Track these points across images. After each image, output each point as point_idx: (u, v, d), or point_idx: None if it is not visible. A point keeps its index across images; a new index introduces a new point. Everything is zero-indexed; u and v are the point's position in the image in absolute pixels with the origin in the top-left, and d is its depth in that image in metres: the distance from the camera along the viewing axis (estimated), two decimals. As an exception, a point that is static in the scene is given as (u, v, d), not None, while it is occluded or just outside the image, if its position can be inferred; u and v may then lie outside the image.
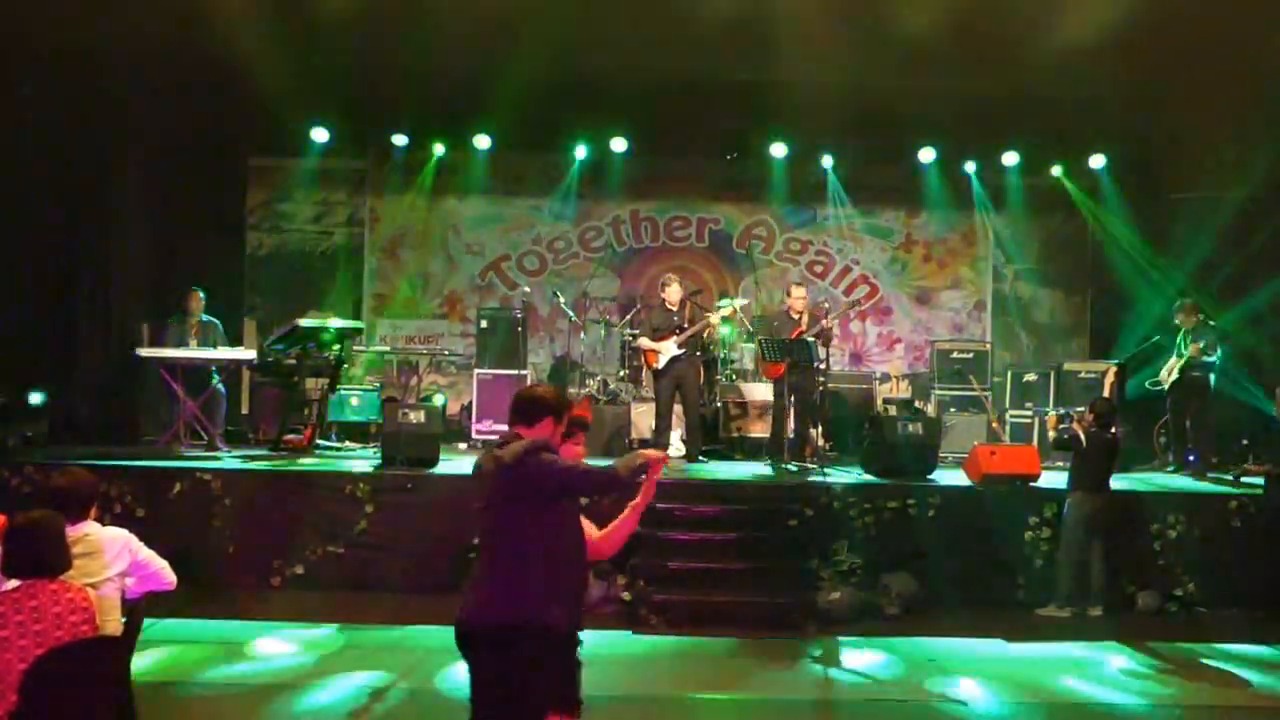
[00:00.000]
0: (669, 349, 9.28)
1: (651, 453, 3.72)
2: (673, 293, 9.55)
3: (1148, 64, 9.29)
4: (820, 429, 9.43)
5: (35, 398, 9.50)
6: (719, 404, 10.41)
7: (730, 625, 7.01)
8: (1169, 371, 9.56)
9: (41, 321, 10.05)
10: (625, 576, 7.38)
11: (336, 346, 9.57)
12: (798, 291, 9.63)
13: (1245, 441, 8.57)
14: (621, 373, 10.74)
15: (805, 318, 9.43)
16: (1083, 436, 7.68)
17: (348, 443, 10.19)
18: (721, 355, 10.68)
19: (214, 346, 9.66)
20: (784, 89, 10.03)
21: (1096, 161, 11.70)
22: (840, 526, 7.87)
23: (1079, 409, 8.62)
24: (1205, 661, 6.85)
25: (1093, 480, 7.63)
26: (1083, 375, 10.50)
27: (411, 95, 10.62)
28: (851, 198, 12.30)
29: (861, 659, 6.65)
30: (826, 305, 9.96)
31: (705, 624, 7.01)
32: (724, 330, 10.57)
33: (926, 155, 11.77)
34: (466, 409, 10.93)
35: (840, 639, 6.98)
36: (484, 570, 3.64)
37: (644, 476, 3.71)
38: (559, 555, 3.58)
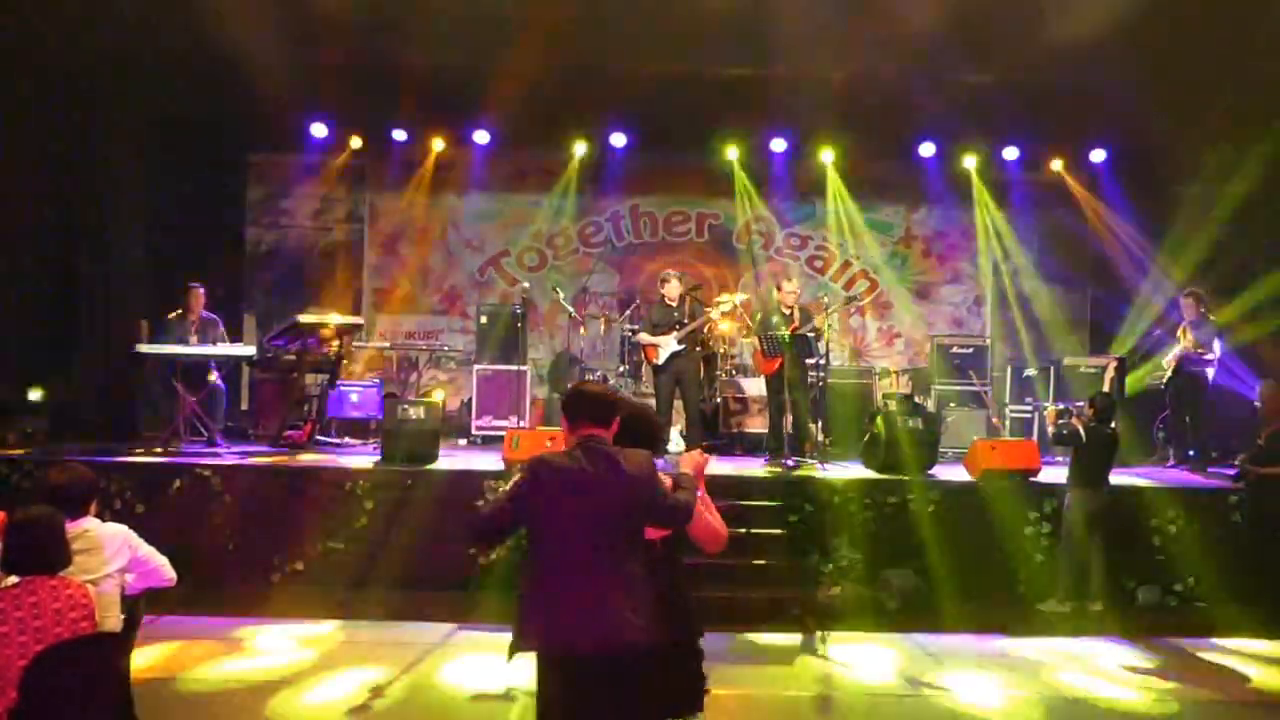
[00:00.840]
0: (669, 344, 9.27)
1: (693, 463, 3.72)
2: (672, 288, 9.54)
3: (1149, 57, 9.26)
4: (820, 424, 9.42)
5: (35, 394, 9.51)
6: (719, 399, 10.40)
7: (730, 621, 6.99)
8: (1172, 359, 9.52)
9: (42, 318, 10.05)
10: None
11: (336, 342, 9.57)
12: (789, 286, 9.55)
13: (1260, 443, 8.53)
14: (621, 368, 10.73)
15: (796, 312, 9.41)
16: (1082, 432, 7.68)
17: (347, 439, 10.19)
18: (722, 350, 10.67)
19: (213, 343, 9.64)
20: (784, 83, 10.01)
21: (1097, 156, 11.70)
22: (840, 522, 7.86)
23: (1079, 404, 8.61)
24: (1205, 656, 6.87)
25: (1093, 475, 7.63)
26: (1083, 370, 10.48)
27: (411, 90, 10.58)
28: (852, 193, 12.29)
29: (862, 654, 6.65)
30: (826, 300, 9.94)
31: (705, 620, 6.94)
32: (725, 326, 10.56)
33: (927, 150, 11.76)
34: (466, 405, 10.92)
35: (840, 634, 6.98)
36: (614, 585, 3.35)
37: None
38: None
